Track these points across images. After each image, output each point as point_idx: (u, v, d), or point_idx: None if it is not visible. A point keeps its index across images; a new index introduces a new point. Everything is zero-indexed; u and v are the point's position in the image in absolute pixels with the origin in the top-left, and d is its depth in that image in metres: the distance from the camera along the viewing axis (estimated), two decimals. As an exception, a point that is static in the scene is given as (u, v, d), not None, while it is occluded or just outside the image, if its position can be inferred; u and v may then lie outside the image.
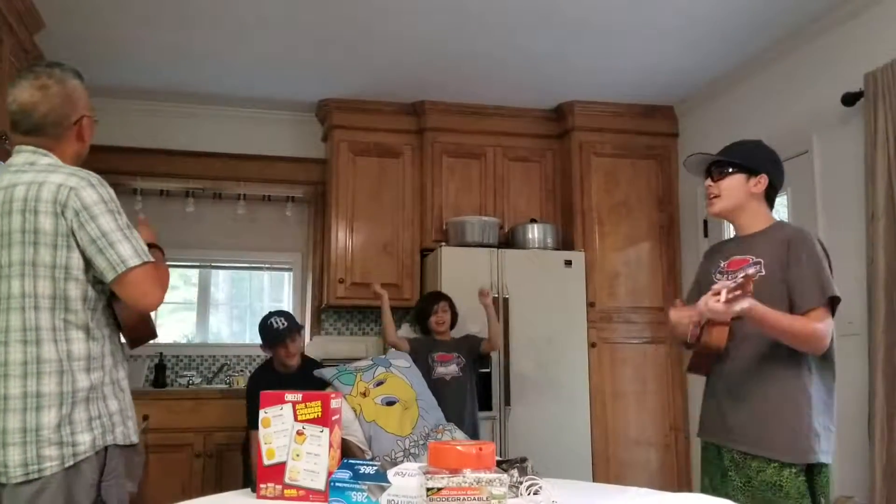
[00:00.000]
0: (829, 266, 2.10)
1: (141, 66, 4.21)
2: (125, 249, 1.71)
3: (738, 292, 1.92)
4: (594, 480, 4.19)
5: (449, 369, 3.63)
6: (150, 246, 1.88)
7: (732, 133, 4.32)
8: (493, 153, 4.82)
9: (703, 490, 2.23)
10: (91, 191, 1.72)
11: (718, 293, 1.96)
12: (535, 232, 4.54)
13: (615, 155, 4.80)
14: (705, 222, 4.56)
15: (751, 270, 2.13)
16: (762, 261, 2.14)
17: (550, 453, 4.11)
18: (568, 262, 4.48)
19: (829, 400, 2.09)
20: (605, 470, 4.41)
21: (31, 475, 1.65)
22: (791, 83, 3.88)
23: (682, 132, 4.89)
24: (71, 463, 1.67)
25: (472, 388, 3.70)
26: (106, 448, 1.74)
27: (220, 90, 4.59)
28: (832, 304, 2.05)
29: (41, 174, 1.75)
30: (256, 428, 3.55)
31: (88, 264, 1.73)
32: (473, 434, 3.55)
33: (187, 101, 4.73)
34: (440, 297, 3.83)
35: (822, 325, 2.02)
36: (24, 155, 1.81)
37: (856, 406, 3.26)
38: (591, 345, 4.50)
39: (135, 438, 1.84)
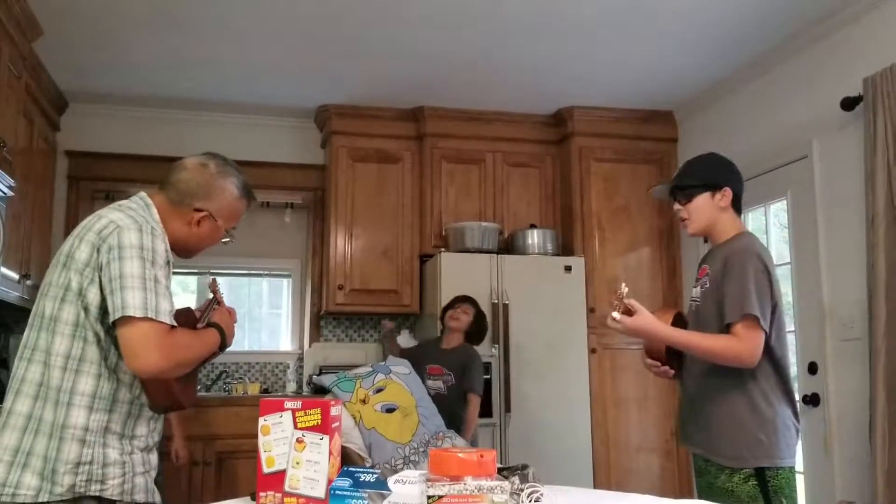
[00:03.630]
0: (771, 285, 2.08)
1: (140, 72, 4.21)
2: (133, 298, 1.57)
3: (619, 308, 2.03)
4: (595, 487, 4.17)
5: (436, 384, 3.59)
6: (211, 325, 1.89)
7: (732, 137, 4.35)
8: (492, 159, 4.82)
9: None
10: (134, 234, 1.64)
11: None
12: (534, 237, 4.54)
13: (615, 160, 4.79)
14: (705, 227, 4.56)
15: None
16: (708, 273, 2.21)
17: (551, 460, 4.10)
18: (568, 268, 4.48)
19: (778, 406, 2.09)
20: (606, 476, 4.39)
21: (3, 497, 1.56)
22: (790, 88, 3.89)
23: (681, 137, 4.89)
24: (45, 499, 1.56)
25: (457, 407, 3.53)
26: (97, 499, 1.61)
27: (219, 96, 4.59)
28: (757, 320, 2.02)
29: (111, 211, 1.73)
30: None
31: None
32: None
33: (186, 107, 4.73)
34: (466, 299, 3.77)
35: (738, 343, 2.02)
36: (133, 197, 1.81)
37: (856, 411, 3.25)
38: (592, 351, 4.49)
39: (140, 497, 1.68)
